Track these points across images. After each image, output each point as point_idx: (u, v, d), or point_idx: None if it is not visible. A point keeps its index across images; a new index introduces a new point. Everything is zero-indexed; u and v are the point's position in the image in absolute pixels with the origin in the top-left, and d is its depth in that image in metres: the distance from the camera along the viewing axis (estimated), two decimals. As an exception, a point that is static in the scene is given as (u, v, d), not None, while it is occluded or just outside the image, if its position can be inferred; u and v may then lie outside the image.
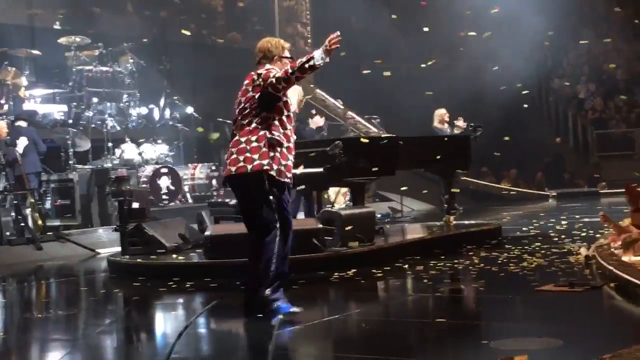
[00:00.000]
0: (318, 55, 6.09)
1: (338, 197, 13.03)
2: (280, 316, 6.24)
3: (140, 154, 15.20)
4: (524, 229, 11.91)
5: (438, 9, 19.74)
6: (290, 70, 6.16)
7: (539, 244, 9.90)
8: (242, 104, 6.35)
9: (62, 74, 16.13)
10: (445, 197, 11.86)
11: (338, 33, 6.14)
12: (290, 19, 22.15)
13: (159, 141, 15.75)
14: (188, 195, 15.47)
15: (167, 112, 16.88)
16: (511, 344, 5.09)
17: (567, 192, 19.72)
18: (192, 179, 15.66)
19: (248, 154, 6.20)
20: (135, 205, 11.22)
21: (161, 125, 16.77)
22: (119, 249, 10.63)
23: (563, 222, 12.21)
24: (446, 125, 14.61)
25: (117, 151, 15.09)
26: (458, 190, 12.07)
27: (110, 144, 14.96)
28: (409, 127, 14.95)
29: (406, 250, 9.67)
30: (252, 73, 6.44)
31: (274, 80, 6.20)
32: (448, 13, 19.08)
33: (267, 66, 6.41)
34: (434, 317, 6.40)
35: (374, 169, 10.03)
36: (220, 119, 14.66)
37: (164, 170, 14.88)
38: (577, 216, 13.35)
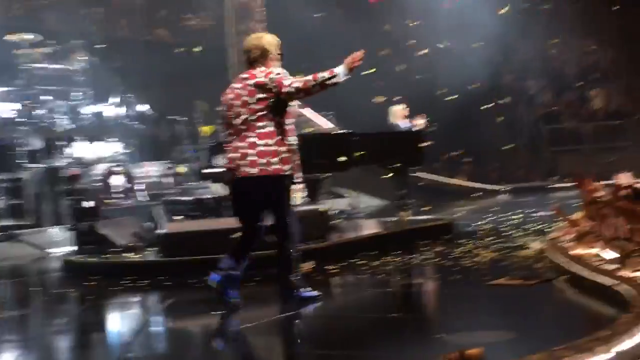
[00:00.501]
0: (342, 73, 6.31)
1: (293, 194, 13.03)
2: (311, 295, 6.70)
3: (93, 152, 15.06)
4: (477, 223, 12.02)
5: (391, 7, 19.81)
6: (312, 84, 6.30)
7: (492, 238, 10.00)
8: (250, 105, 6.38)
9: (13, 72, 15.91)
10: (399, 193, 11.93)
11: (363, 51, 6.38)
12: (244, 15, 22.06)
13: (112, 139, 15.62)
14: (142, 194, 15.36)
15: (121, 110, 16.73)
16: (465, 337, 5.15)
17: (520, 187, 19.93)
18: (146, 177, 15.56)
19: (269, 157, 6.33)
20: (89, 204, 11.14)
21: (114, 123, 16.62)
22: (72, 248, 10.54)
23: (516, 217, 12.34)
24: (407, 119, 14.62)
25: (69, 149, 14.93)
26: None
27: (62, 142, 14.79)
28: (363, 124, 14.97)
29: (361, 246, 9.71)
30: (255, 73, 6.48)
31: (292, 89, 6.31)
32: (401, 11, 19.14)
33: (277, 70, 6.47)
34: (389, 312, 6.44)
35: (328, 165, 10.06)
36: (172, 117, 14.58)
37: (118, 168, 14.76)
38: (529, 210, 13.51)
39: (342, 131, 11.14)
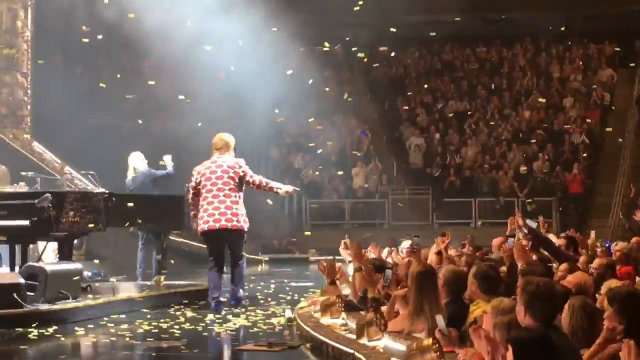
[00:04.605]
0: (283, 192, 10.38)
1: (46, 252, 12.59)
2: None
3: None
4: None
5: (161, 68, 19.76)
6: (263, 185, 9.94)
7: (247, 305, 10.09)
8: (224, 179, 9.63)
9: None
10: (157, 257, 11.83)
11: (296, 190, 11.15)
12: (9, 67, 21.33)
13: None
14: None
15: None
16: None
17: (280, 258, 20.31)
18: None
19: (240, 217, 9.69)
20: None
21: None
22: None
23: (272, 286, 12.56)
24: None
25: None
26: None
27: None
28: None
29: (113, 308, 9.56)
30: (228, 159, 9.74)
31: (251, 181, 9.84)
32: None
33: (242, 162, 9.84)
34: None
35: (84, 224, 9.88)
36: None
37: None
38: (286, 280, 13.79)
39: (100, 191, 10.94)
